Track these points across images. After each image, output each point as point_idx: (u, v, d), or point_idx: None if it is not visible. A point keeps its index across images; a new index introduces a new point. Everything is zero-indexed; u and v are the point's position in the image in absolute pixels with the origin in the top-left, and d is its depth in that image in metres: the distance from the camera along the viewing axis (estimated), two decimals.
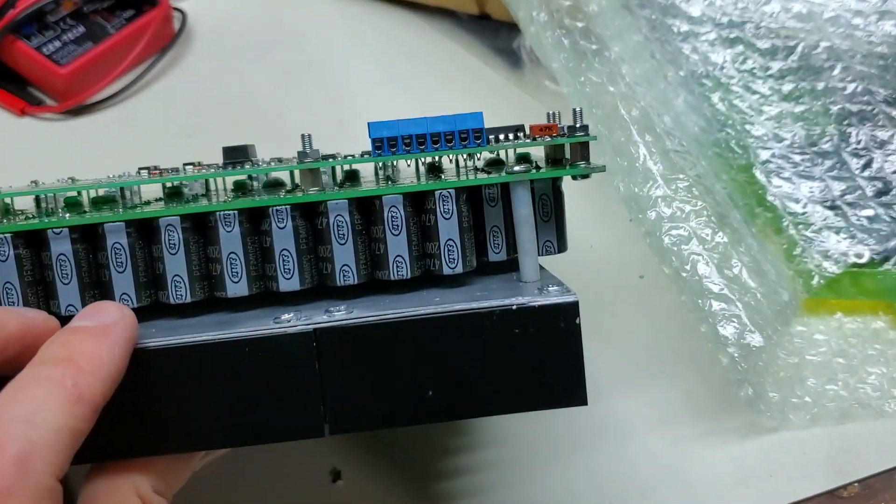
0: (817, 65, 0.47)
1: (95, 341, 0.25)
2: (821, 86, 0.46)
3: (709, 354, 0.40)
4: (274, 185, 0.33)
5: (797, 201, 0.44)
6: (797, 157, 0.45)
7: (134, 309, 0.27)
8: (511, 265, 0.32)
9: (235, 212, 0.27)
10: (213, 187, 0.35)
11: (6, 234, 0.27)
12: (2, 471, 0.22)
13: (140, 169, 0.33)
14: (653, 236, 0.40)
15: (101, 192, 0.31)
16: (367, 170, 0.34)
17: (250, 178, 0.34)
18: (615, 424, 0.40)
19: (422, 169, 0.33)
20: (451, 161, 0.31)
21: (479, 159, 0.31)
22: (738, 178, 0.45)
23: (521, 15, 0.49)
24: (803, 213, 0.44)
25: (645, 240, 0.40)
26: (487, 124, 0.29)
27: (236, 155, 0.30)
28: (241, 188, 0.33)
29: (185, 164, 0.33)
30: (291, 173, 0.35)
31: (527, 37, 0.49)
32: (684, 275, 0.39)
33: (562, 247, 0.30)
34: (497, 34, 0.55)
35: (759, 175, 0.44)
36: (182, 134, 0.51)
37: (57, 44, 0.52)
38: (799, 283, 0.43)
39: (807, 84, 0.46)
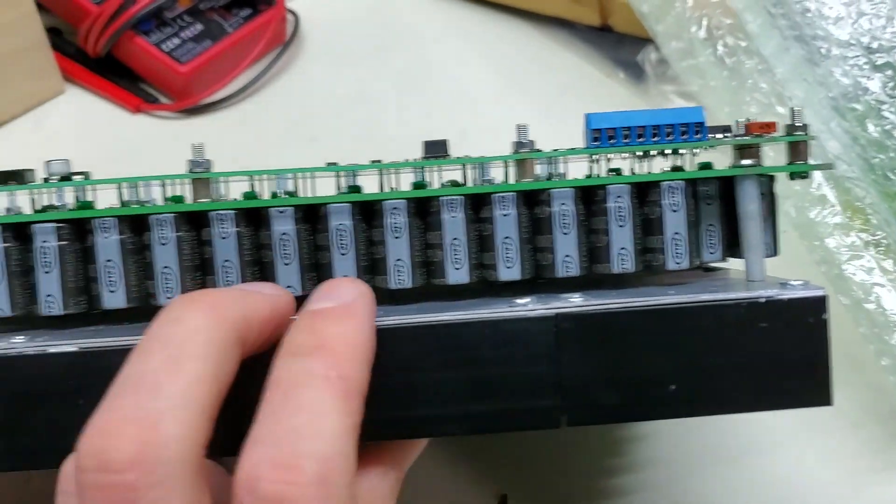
0: None
1: (344, 323, 0.25)
2: None
3: (874, 385, 0.41)
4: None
5: None
6: None
7: None
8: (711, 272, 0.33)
9: (462, 197, 0.29)
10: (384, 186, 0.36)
11: (230, 211, 0.29)
12: (306, 496, 0.22)
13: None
14: (830, 264, 0.42)
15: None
16: None
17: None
18: (779, 455, 0.41)
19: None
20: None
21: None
22: (894, 207, 0.46)
23: (659, 30, 0.51)
24: None
25: (819, 268, 0.42)
26: None
27: (437, 150, 0.31)
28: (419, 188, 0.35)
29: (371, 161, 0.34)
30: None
31: (665, 52, 0.51)
32: (868, 307, 0.40)
33: (776, 249, 0.32)
34: (619, 46, 0.57)
35: None
36: (302, 137, 0.53)
37: (176, 41, 0.53)
38: None
39: None
